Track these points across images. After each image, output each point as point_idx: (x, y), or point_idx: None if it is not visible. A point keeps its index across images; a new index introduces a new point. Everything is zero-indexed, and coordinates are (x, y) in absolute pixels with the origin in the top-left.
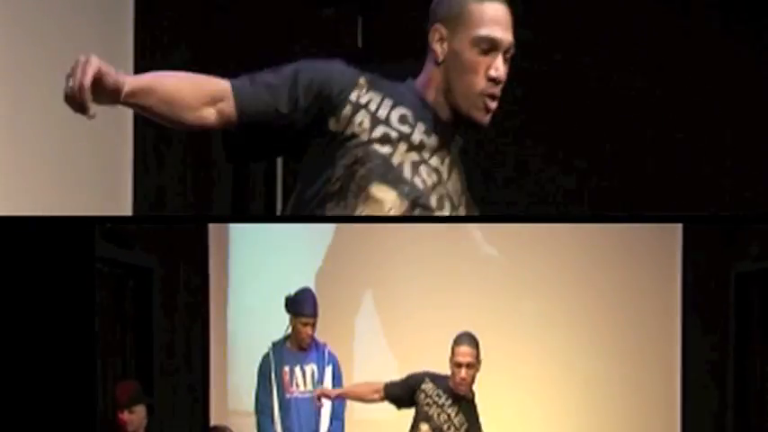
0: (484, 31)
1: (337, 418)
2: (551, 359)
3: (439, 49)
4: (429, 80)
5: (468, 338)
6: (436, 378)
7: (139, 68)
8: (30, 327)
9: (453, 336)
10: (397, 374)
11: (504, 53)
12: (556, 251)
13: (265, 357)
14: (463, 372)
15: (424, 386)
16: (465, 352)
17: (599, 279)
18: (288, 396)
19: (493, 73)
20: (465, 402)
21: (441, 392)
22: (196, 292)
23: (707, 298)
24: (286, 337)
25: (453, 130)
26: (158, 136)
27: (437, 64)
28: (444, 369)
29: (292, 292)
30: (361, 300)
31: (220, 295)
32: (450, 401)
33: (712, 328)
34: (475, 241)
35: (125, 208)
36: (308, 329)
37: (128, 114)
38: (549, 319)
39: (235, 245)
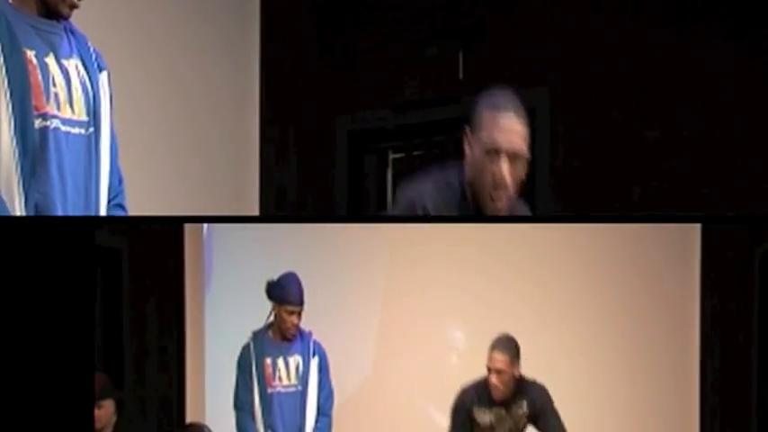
0: (489, 137)
1: (324, 414)
2: (568, 359)
3: (466, 149)
4: (466, 176)
5: (500, 343)
6: (478, 395)
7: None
8: (29, 327)
9: (446, 327)
10: (387, 366)
11: (512, 159)
12: (575, 252)
13: (245, 348)
14: (494, 378)
15: (475, 414)
16: (495, 358)
17: (618, 279)
18: (270, 390)
19: (495, 176)
20: (514, 401)
21: (490, 407)
22: (170, 277)
23: (729, 289)
24: (268, 326)
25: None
26: (281, 140)
27: (466, 161)
28: (431, 357)
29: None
30: (347, 288)
31: (197, 281)
32: (494, 408)
33: (733, 324)
34: (480, 239)
35: (253, 207)
36: (294, 318)
37: (254, 125)
38: (567, 318)
39: (211, 234)
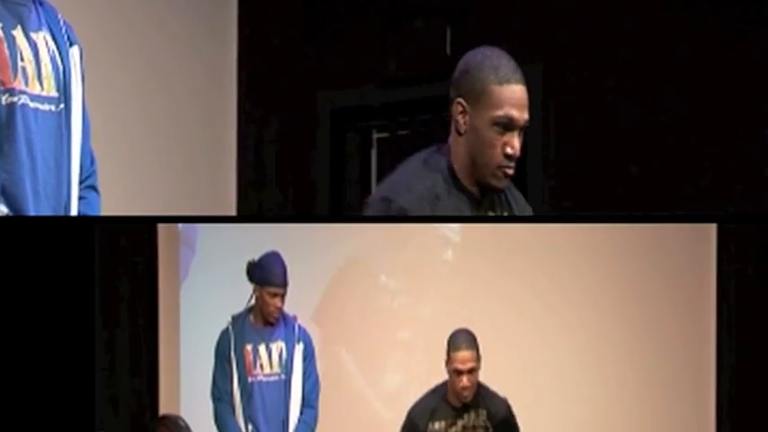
0: (502, 112)
1: (310, 405)
2: (580, 361)
3: (461, 120)
4: (455, 149)
5: (466, 340)
6: (432, 407)
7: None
8: (29, 327)
9: (438, 319)
10: (381, 356)
11: (520, 130)
12: (587, 251)
13: (224, 334)
14: (465, 379)
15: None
16: (465, 357)
17: (632, 279)
18: (251, 380)
19: (509, 150)
20: (474, 406)
21: (449, 417)
22: (141, 256)
23: (745, 289)
24: (249, 310)
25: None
26: (260, 117)
27: (459, 133)
28: (425, 348)
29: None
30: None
31: (171, 261)
32: (461, 416)
33: (750, 325)
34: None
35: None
36: (277, 301)
37: (231, 102)
38: (581, 319)
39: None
